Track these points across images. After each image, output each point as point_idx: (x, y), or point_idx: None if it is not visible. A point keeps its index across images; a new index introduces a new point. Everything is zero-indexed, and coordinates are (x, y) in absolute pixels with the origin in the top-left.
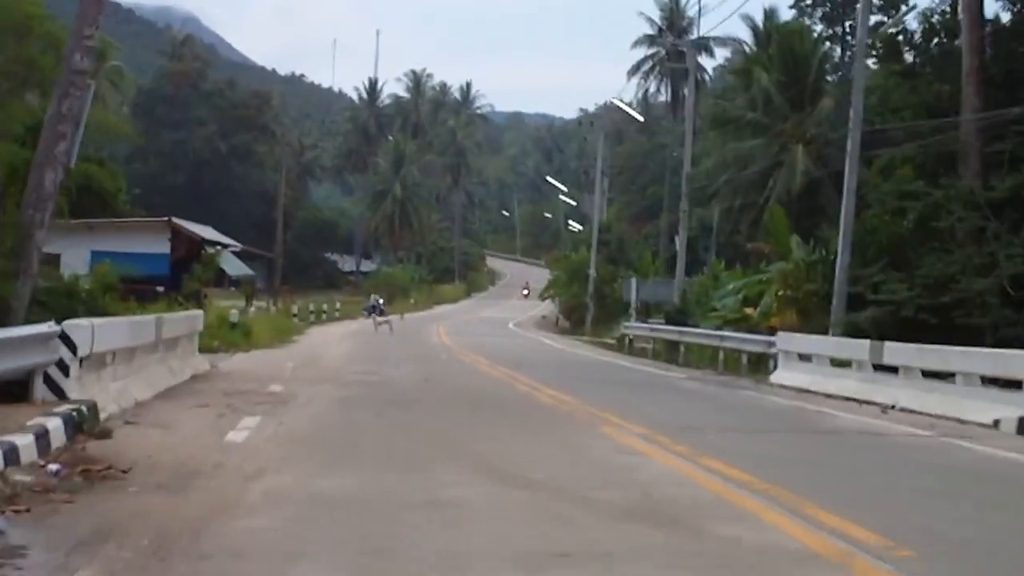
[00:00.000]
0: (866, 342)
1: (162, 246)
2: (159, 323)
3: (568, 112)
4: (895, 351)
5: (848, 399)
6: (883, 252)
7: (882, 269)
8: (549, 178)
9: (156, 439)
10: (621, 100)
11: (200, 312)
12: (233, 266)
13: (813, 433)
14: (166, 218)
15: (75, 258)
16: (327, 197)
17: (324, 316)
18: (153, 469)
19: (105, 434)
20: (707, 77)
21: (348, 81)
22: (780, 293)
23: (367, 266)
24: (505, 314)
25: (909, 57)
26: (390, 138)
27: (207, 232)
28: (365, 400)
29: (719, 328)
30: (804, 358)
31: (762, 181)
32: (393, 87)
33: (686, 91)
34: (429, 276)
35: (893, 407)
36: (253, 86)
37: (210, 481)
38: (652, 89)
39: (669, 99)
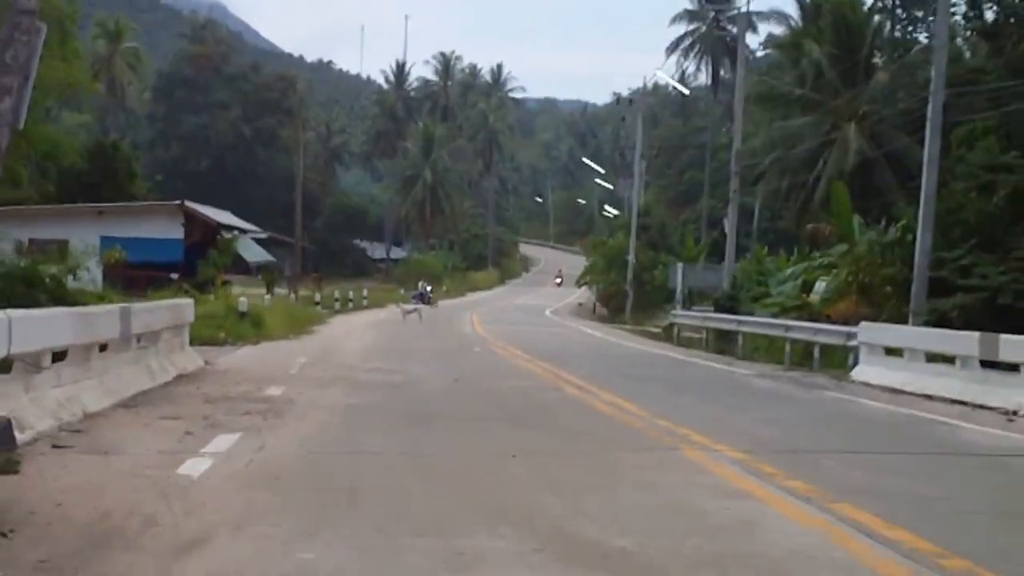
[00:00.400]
0: (975, 334)
1: (175, 231)
2: (126, 315)
3: (601, 98)
4: (1015, 345)
5: (955, 402)
6: (970, 232)
7: (970, 251)
8: (585, 159)
9: (82, 474)
10: (662, 76)
11: (189, 301)
12: (252, 252)
13: (953, 456)
14: (178, 201)
15: (84, 244)
16: (356, 184)
17: (350, 304)
18: (50, 529)
19: (9, 467)
20: (750, 55)
21: (377, 68)
22: (849, 278)
23: (398, 254)
24: (540, 301)
25: (991, 15)
26: (419, 123)
27: (223, 216)
28: (377, 411)
29: (776, 316)
30: (891, 352)
31: (811, 161)
32: (421, 70)
33: (727, 69)
34: (462, 263)
35: (1016, 413)
36: (279, 70)
37: (122, 556)
38: (691, 68)
39: (709, 77)
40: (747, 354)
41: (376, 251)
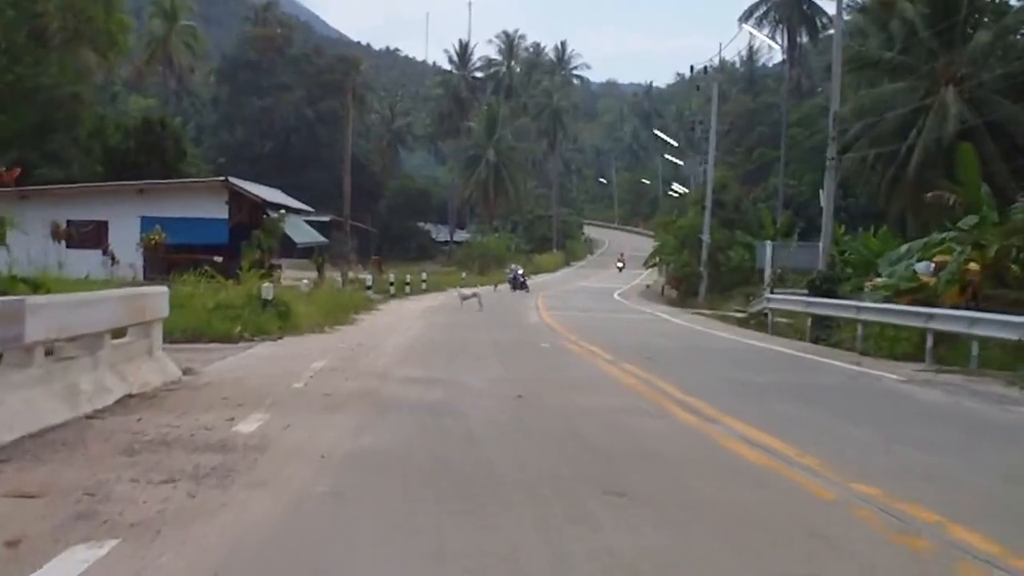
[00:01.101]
0: None
1: (220, 210)
2: (18, 312)
3: (664, 79)
4: None
5: None
6: None
7: None
8: (657, 132)
9: None
10: (730, 52)
11: (158, 290)
12: (302, 233)
13: None
14: (222, 178)
15: (123, 226)
16: (421, 167)
17: (407, 289)
18: None
19: None
20: (827, 22)
21: (442, 54)
22: (991, 254)
23: (462, 236)
24: (607, 284)
25: None
26: (482, 103)
27: (272, 194)
28: (394, 470)
29: (889, 300)
30: None
31: (903, 129)
32: (485, 50)
33: (803, 37)
34: (526, 245)
35: None
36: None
37: None
38: (764, 40)
39: (784, 48)
40: (861, 346)
41: (440, 233)
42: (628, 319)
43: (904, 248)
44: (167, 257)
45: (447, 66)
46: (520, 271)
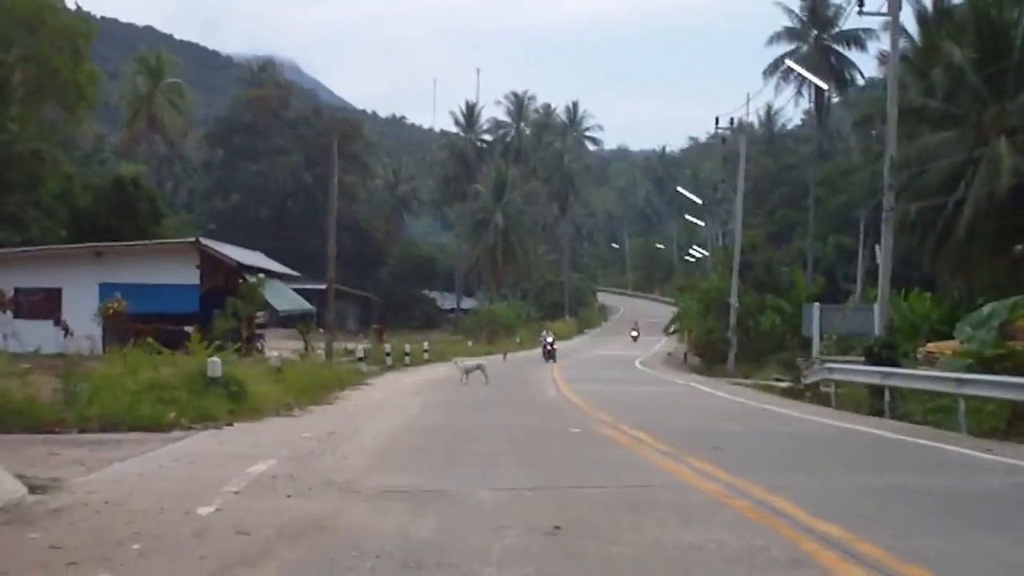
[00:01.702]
0: None
1: (190, 275)
2: None
3: (677, 144)
4: None
5: None
6: None
7: None
8: (680, 189)
9: None
10: (746, 113)
11: None
12: (285, 299)
13: None
14: (192, 239)
15: (80, 294)
16: (426, 234)
17: (407, 360)
18: None
19: None
20: (857, 75)
21: (449, 121)
22: None
23: (469, 304)
24: (626, 351)
25: None
26: (490, 167)
27: (250, 257)
28: None
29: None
30: None
31: (950, 183)
32: (493, 111)
33: (832, 92)
34: (537, 312)
35: None
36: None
37: None
38: (788, 97)
39: (812, 100)
40: (966, 423)
41: (446, 302)
42: (663, 392)
43: (987, 310)
44: (132, 328)
45: (453, 127)
46: (551, 339)
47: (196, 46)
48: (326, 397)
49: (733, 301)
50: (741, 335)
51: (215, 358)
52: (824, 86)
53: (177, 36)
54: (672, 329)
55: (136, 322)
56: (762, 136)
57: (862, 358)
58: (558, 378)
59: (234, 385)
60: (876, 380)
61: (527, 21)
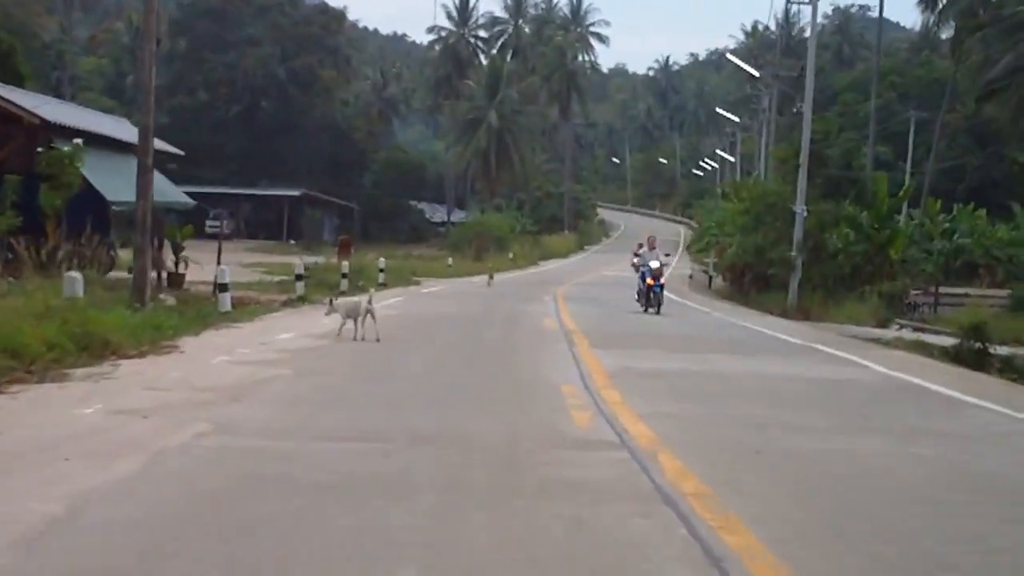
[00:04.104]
0: None
1: None
2: None
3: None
4: None
5: None
6: None
7: None
8: (719, 109)
9: None
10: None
11: None
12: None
13: None
14: None
15: None
16: (417, 141)
17: (303, 285)
18: None
19: None
20: None
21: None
22: None
23: (461, 217)
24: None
25: None
26: (484, 62)
27: (77, 116)
28: None
29: None
30: None
31: None
32: (489, 5)
33: None
34: (533, 226)
35: None
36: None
37: None
38: None
39: None
40: None
41: (436, 214)
42: (719, 335)
43: None
44: None
45: (445, 22)
46: (658, 261)
47: None
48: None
49: (800, 209)
50: (812, 256)
51: None
52: None
53: None
54: (702, 245)
55: None
56: (776, 43)
57: None
58: (564, 310)
59: None
60: None
61: None
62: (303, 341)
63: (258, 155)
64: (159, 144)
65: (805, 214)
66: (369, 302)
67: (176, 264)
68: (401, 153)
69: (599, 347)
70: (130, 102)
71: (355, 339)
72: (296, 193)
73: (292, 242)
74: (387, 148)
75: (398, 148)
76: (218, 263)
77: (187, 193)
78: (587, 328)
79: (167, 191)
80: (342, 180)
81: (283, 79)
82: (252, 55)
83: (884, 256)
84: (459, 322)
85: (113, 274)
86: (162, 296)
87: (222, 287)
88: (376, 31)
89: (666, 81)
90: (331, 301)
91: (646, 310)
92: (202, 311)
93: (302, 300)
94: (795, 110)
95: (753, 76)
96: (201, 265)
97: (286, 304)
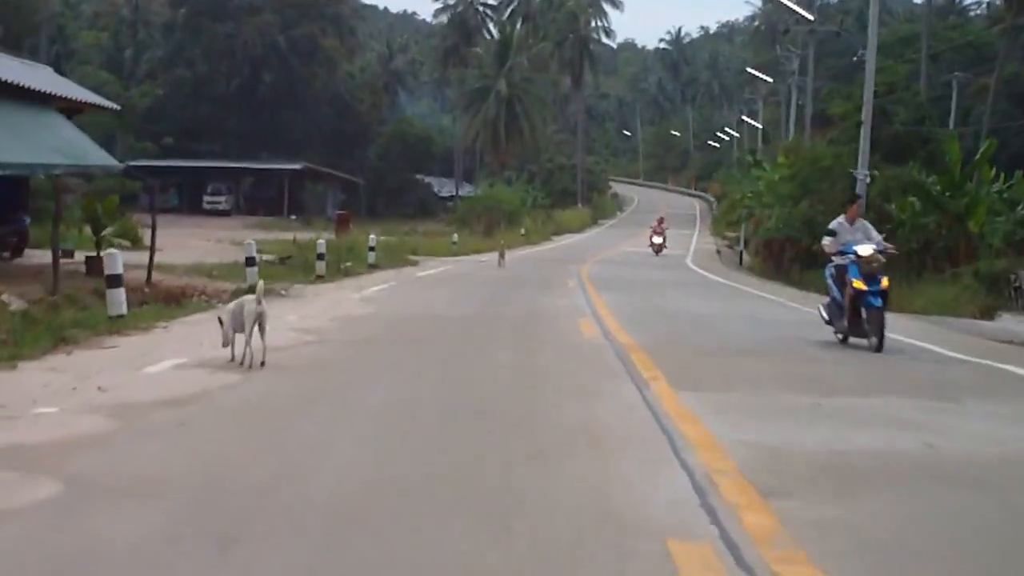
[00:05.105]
0: None
1: None
2: None
3: (691, 31)
4: None
5: None
6: None
7: None
8: (750, 69)
9: None
10: None
11: None
12: (32, 145)
13: None
14: None
15: None
16: (424, 115)
17: (323, 265)
18: None
19: None
20: None
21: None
22: None
23: (469, 191)
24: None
25: None
26: (494, 32)
27: None
28: None
29: None
30: None
31: None
32: None
33: None
34: (545, 199)
35: None
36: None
37: None
38: None
39: None
40: None
41: (444, 188)
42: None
43: None
44: None
45: None
46: (871, 245)
47: None
48: None
49: (862, 174)
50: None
51: None
52: None
53: None
54: (733, 218)
55: None
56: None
57: None
58: (596, 297)
59: None
60: None
61: None
62: (172, 386)
63: (259, 128)
64: (87, 95)
65: (868, 180)
66: (258, 303)
67: (97, 246)
68: (407, 126)
69: (688, 389)
70: (128, 76)
71: (241, 364)
72: (297, 167)
73: (293, 218)
74: (393, 121)
75: (404, 121)
76: (151, 244)
77: (185, 168)
78: (647, 339)
79: (83, 152)
80: (346, 154)
81: (284, 48)
82: (252, 23)
83: (961, 228)
84: (450, 329)
85: (24, 258)
86: (5, 298)
87: (112, 280)
88: (386, 9)
89: (678, 53)
90: (227, 306)
91: (846, 339)
92: (76, 317)
93: (252, 291)
94: (855, 58)
95: (785, 31)
96: (141, 243)
97: (236, 295)
